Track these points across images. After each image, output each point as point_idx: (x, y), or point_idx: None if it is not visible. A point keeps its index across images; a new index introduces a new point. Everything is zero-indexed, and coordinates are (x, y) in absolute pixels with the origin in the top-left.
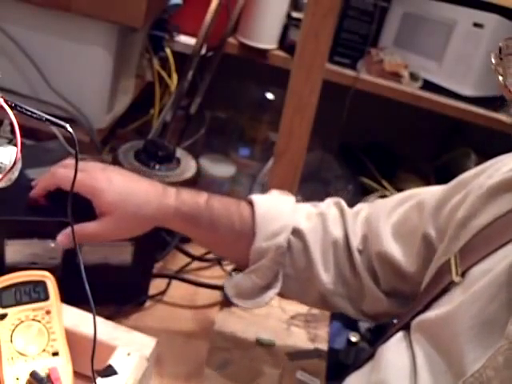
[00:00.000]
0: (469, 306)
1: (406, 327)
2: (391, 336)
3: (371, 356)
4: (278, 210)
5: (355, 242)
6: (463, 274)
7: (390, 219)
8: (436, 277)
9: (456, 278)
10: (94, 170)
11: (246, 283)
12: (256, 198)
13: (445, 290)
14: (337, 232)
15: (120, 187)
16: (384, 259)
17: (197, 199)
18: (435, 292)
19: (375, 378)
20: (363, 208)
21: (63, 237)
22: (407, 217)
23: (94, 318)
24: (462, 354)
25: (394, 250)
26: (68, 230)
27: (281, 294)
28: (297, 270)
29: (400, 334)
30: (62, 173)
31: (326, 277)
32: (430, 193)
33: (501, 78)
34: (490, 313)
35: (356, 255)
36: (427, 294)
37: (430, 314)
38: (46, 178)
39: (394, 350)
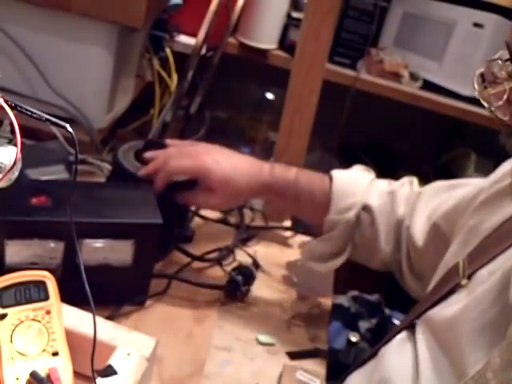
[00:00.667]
0: (472, 309)
1: (410, 327)
2: (394, 336)
3: (373, 355)
4: (353, 187)
5: (407, 221)
6: (470, 277)
7: (427, 206)
8: (444, 279)
9: (463, 281)
10: (201, 154)
11: (318, 249)
12: (336, 173)
13: (451, 292)
14: (400, 211)
15: (226, 168)
16: (410, 235)
17: (287, 175)
18: (442, 293)
19: (378, 377)
20: (425, 189)
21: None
22: (437, 207)
23: (94, 318)
24: (463, 355)
25: (416, 226)
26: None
27: (349, 259)
28: (364, 240)
29: (404, 334)
30: (174, 164)
31: (386, 249)
32: (462, 190)
33: (486, 104)
34: (491, 315)
35: (404, 233)
36: (434, 294)
37: (435, 313)
38: (162, 174)
39: (397, 349)
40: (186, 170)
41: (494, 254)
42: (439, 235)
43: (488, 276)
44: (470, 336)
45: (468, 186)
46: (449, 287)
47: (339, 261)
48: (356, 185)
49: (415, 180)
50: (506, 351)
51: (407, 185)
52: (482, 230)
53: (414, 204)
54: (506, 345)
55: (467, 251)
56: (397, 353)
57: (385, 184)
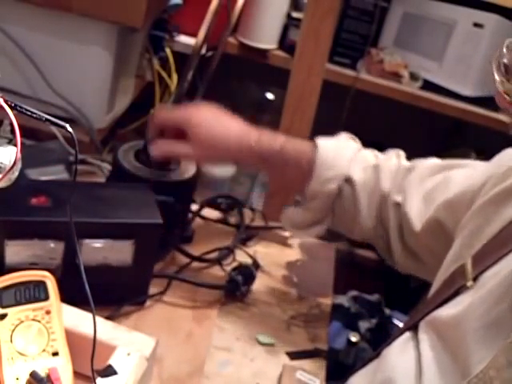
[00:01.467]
0: (477, 307)
1: (413, 328)
2: (397, 337)
3: (375, 356)
4: (338, 158)
5: (396, 197)
6: (475, 279)
7: (422, 185)
8: (449, 281)
9: (468, 283)
10: (194, 112)
11: (298, 217)
12: (322, 142)
13: (456, 293)
14: (385, 186)
15: (215, 124)
16: (405, 215)
17: (272, 143)
18: (446, 294)
19: (380, 377)
20: (416, 165)
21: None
22: (434, 188)
23: (94, 318)
24: (468, 354)
25: (413, 207)
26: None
27: (330, 229)
28: (344, 211)
29: (407, 335)
30: (162, 114)
31: (367, 222)
32: (462, 173)
33: (507, 97)
34: (496, 314)
35: (391, 209)
36: (438, 296)
37: (440, 313)
38: (174, 115)
39: (400, 349)
40: (173, 117)
41: (500, 256)
42: (441, 230)
43: (494, 276)
44: (475, 334)
45: (467, 168)
46: (454, 289)
47: (318, 229)
48: (341, 155)
49: (402, 153)
50: (511, 349)
51: (394, 158)
52: (487, 231)
53: (403, 180)
54: (511, 343)
55: (471, 253)
56: (399, 353)
57: (371, 156)
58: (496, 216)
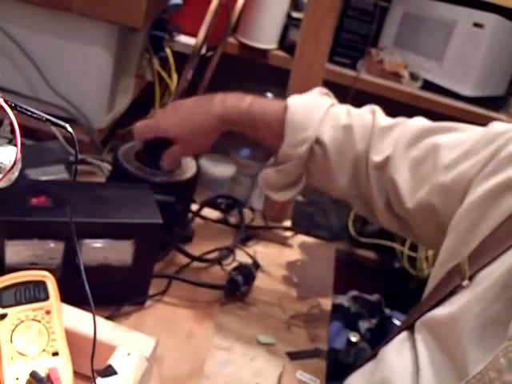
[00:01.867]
0: (472, 307)
1: (410, 328)
2: (394, 337)
3: (373, 356)
4: (308, 118)
5: (376, 158)
6: (471, 278)
7: (409, 152)
8: (444, 280)
9: (464, 282)
10: (159, 116)
11: (274, 179)
12: (291, 102)
13: (452, 293)
14: (360, 146)
15: (179, 120)
16: (393, 186)
17: (239, 106)
18: (442, 294)
19: (378, 377)
20: (397, 125)
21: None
22: (422, 159)
23: (94, 318)
24: (464, 354)
25: (402, 180)
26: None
27: (308, 186)
28: (318, 172)
29: (404, 334)
30: (163, 121)
31: (341, 182)
32: (451, 143)
33: None
34: (492, 313)
35: (371, 172)
36: (434, 296)
37: (436, 313)
38: (148, 126)
39: (397, 349)
40: (148, 132)
41: (496, 255)
42: (434, 213)
43: (490, 275)
44: (471, 334)
45: (455, 133)
46: (449, 288)
47: (294, 190)
48: (311, 115)
49: (378, 109)
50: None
51: (368, 114)
52: (482, 228)
53: (381, 140)
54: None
55: (467, 252)
56: (396, 353)
57: (343, 113)
58: (491, 212)
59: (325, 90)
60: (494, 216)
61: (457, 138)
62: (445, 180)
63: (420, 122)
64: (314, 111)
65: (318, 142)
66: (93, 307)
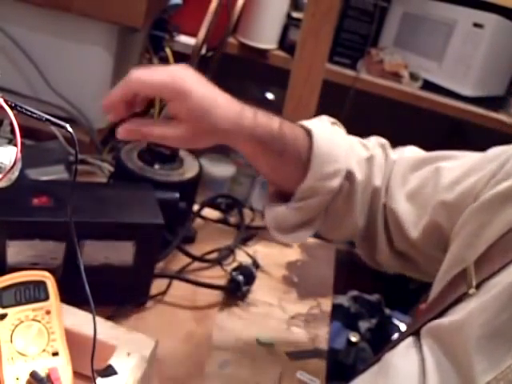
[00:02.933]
0: (479, 315)
1: (416, 333)
2: (399, 342)
3: (376, 361)
4: (335, 149)
5: (384, 196)
6: (478, 286)
7: (407, 181)
8: (450, 286)
9: (471, 291)
10: (177, 72)
11: (287, 218)
12: (315, 128)
13: (458, 301)
14: (378, 181)
15: (204, 96)
16: (393, 217)
17: (271, 123)
18: (448, 301)
19: (383, 383)
20: (398, 161)
21: (124, 130)
22: (423, 184)
23: (94, 318)
24: (471, 363)
25: (403, 211)
26: (131, 125)
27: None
28: (337, 211)
29: (409, 340)
30: (139, 75)
31: (360, 222)
32: (450, 165)
33: None
34: (499, 323)
35: (379, 208)
36: (440, 303)
37: (442, 321)
38: (121, 85)
39: (402, 355)
40: (156, 84)
41: (504, 263)
42: (440, 233)
43: (498, 284)
44: (477, 343)
45: (454, 160)
46: (455, 296)
47: (307, 232)
48: (337, 145)
49: (387, 144)
50: None
51: (379, 149)
52: (489, 232)
53: (389, 176)
54: None
55: (473, 257)
56: (402, 359)
57: (359, 146)
58: (498, 217)
59: (332, 119)
60: (501, 222)
61: (455, 162)
62: (448, 198)
63: (413, 153)
64: (339, 141)
65: (347, 176)
66: (92, 307)
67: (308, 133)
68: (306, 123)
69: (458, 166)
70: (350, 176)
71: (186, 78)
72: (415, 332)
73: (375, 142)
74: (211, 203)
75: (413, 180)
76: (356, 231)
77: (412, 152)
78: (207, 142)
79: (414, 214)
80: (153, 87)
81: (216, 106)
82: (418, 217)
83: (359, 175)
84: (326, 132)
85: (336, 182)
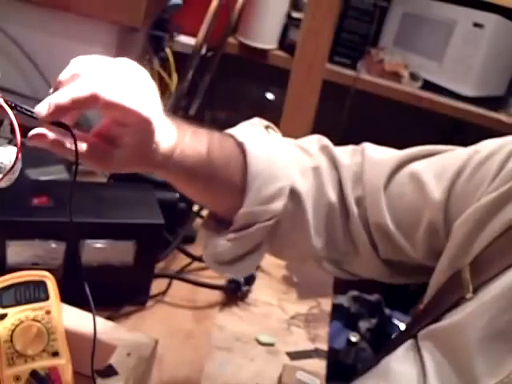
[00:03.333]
0: (479, 317)
1: (414, 336)
2: (397, 346)
3: (375, 363)
4: (274, 164)
5: (352, 206)
6: (475, 290)
7: (387, 190)
8: (445, 289)
9: (468, 295)
10: (138, 92)
11: (227, 251)
12: (248, 143)
13: (455, 304)
14: (332, 194)
15: (161, 128)
16: (382, 231)
17: (198, 148)
18: (445, 306)
19: None
20: (355, 163)
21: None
22: (403, 192)
23: (94, 318)
24: (472, 365)
25: (391, 225)
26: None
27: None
28: (285, 233)
29: (408, 343)
30: (100, 92)
31: (317, 242)
32: (430, 166)
33: None
34: (501, 324)
35: (354, 219)
36: (436, 306)
37: (440, 324)
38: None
39: (402, 358)
40: (120, 108)
41: (502, 268)
42: (436, 238)
43: (497, 288)
44: (479, 345)
45: (437, 156)
46: (452, 300)
47: (252, 263)
48: (276, 160)
49: (330, 146)
50: None
51: (323, 156)
52: (484, 235)
53: (368, 192)
54: None
55: (469, 257)
56: (402, 362)
57: (301, 154)
58: (495, 218)
59: (265, 122)
60: (497, 223)
61: (435, 164)
62: (439, 199)
63: (388, 156)
64: (277, 154)
65: (291, 194)
66: (92, 307)
67: (241, 149)
68: (238, 134)
69: (441, 174)
70: (293, 193)
71: (147, 103)
72: (413, 336)
73: (317, 146)
74: None
75: (392, 188)
76: (314, 252)
77: (379, 154)
78: (131, 169)
79: (407, 225)
80: (119, 109)
81: (162, 134)
82: (411, 227)
83: (304, 190)
84: (261, 144)
85: (279, 204)
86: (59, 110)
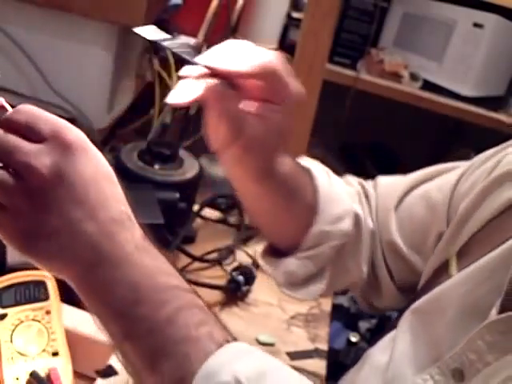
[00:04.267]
0: (458, 288)
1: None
2: (382, 337)
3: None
4: (335, 188)
5: (384, 235)
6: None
7: (397, 211)
8: (433, 276)
9: (453, 273)
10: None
11: (299, 270)
12: (313, 168)
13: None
14: (370, 221)
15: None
16: (393, 251)
17: (287, 160)
18: (430, 288)
19: (363, 375)
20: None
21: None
22: (413, 211)
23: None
24: (443, 336)
25: (401, 243)
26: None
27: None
28: (346, 257)
29: (391, 333)
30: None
31: (365, 269)
32: (437, 184)
33: None
34: (477, 296)
35: (379, 250)
36: (422, 292)
37: (419, 300)
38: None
39: (381, 349)
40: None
41: (487, 251)
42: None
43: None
44: (452, 317)
45: (443, 175)
46: (437, 283)
47: (320, 285)
48: (337, 185)
49: (364, 182)
50: (488, 332)
51: (359, 185)
52: (471, 224)
53: (380, 216)
54: (486, 326)
55: (457, 247)
56: (380, 352)
57: (343, 183)
58: (484, 203)
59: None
60: (486, 208)
61: (442, 180)
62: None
63: (399, 180)
64: (336, 181)
65: (354, 216)
66: None
67: (308, 173)
68: (301, 161)
69: (445, 185)
70: (356, 217)
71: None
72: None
73: (352, 179)
74: (211, 203)
75: (402, 209)
76: (359, 279)
77: (389, 182)
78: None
79: (418, 241)
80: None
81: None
82: (422, 242)
83: (363, 215)
84: (324, 171)
85: (347, 224)
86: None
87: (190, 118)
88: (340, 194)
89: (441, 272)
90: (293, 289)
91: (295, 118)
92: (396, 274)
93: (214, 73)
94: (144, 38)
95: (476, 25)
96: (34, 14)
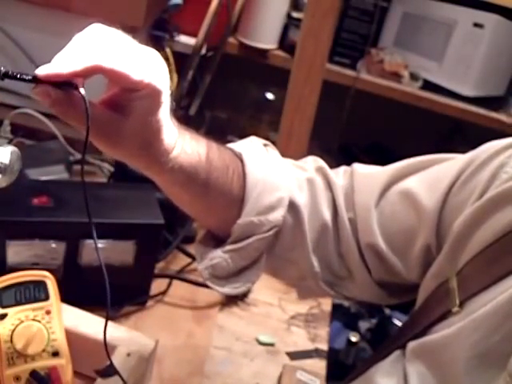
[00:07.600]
0: (469, 334)
1: (402, 347)
2: (386, 355)
3: (365, 370)
4: (273, 175)
5: (346, 227)
6: (462, 304)
7: (378, 209)
8: (433, 300)
9: (454, 309)
10: (153, 66)
11: (224, 263)
12: (246, 153)
13: (442, 318)
14: (326, 213)
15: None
16: (374, 251)
17: (198, 150)
18: (431, 318)
19: None
20: (346, 184)
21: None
22: (395, 210)
23: (107, 318)
24: (461, 380)
25: (383, 244)
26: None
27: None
28: (284, 248)
29: (395, 355)
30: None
31: (314, 260)
32: (425, 182)
33: None
34: (492, 343)
35: (347, 241)
36: (423, 317)
37: (428, 338)
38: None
39: (387, 372)
40: (135, 80)
41: (490, 282)
42: (431, 255)
43: (485, 304)
44: (467, 363)
45: (429, 169)
46: (439, 313)
47: (251, 277)
48: (275, 171)
49: (325, 167)
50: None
51: (318, 175)
52: (473, 244)
53: (359, 212)
54: (510, 378)
55: (457, 267)
56: (387, 376)
57: (294, 168)
58: (484, 225)
59: (264, 141)
60: (487, 230)
61: (428, 178)
62: (431, 209)
63: (377, 174)
64: (274, 165)
65: (290, 206)
66: (108, 305)
67: (239, 159)
68: (236, 147)
69: (433, 184)
70: (293, 205)
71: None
72: (401, 346)
73: (312, 165)
74: None
75: (382, 207)
76: (312, 270)
77: (366, 175)
78: (134, 157)
79: (400, 245)
80: (132, 82)
81: (166, 117)
82: (404, 247)
83: (303, 203)
84: (260, 156)
85: (278, 215)
86: (58, 76)
87: (191, 117)
88: (275, 182)
89: (441, 293)
90: (216, 282)
91: (295, 118)
92: (375, 272)
93: (50, 80)
94: None
95: (476, 25)
96: (34, 13)
